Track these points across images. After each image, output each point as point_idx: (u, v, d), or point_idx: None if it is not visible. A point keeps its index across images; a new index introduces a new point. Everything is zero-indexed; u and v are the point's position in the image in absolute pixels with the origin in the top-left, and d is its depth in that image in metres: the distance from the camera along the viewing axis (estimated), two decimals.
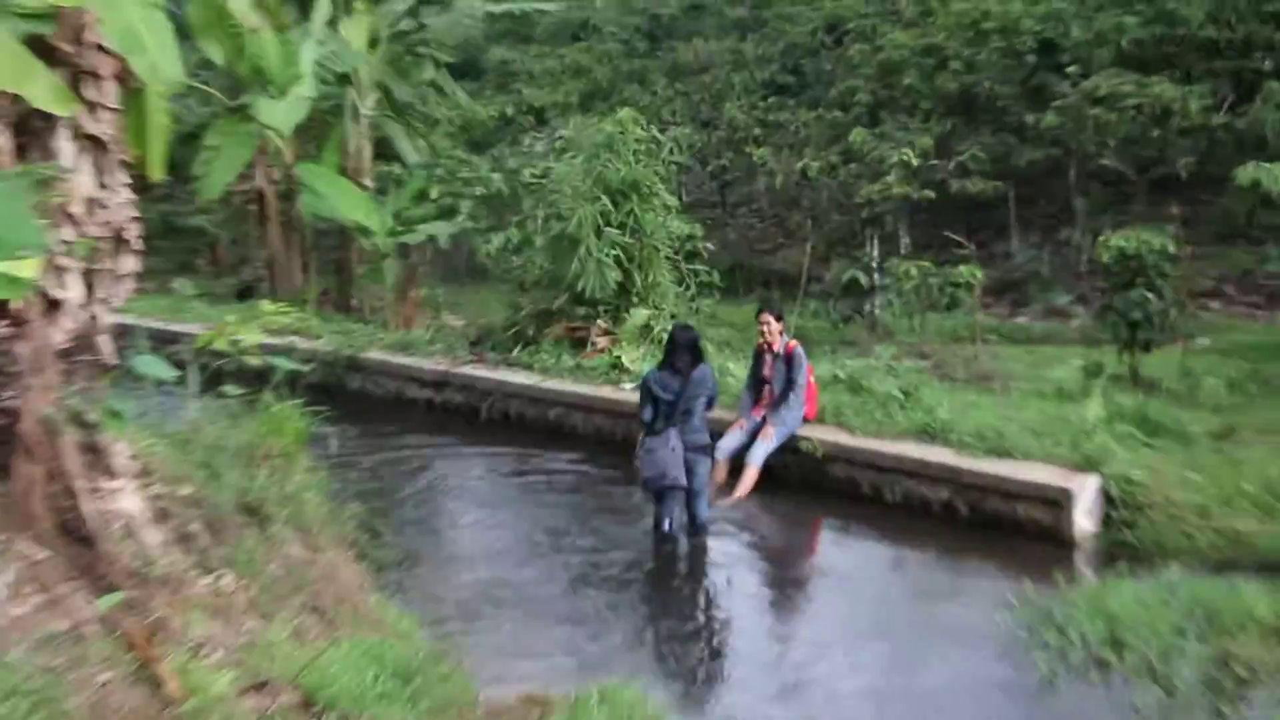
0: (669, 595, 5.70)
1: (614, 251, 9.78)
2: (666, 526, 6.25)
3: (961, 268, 12.63)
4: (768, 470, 7.18)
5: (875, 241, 15.05)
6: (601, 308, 9.95)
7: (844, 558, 6.19)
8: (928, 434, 7.12)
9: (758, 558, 6.36)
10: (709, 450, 6.39)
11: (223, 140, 12.11)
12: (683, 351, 6.28)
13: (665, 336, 8.15)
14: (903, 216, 17.36)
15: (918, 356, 11.30)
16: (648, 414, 6.25)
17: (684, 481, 6.20)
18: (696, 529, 6.34)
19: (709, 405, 6.39)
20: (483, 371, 9.77)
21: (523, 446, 8.54)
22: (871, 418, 7.43)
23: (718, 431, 7.28)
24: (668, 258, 10.53)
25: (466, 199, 13.36)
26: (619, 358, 9.44)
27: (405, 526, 6.54)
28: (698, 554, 6.26)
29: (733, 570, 6.02)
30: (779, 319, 7.39)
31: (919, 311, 13.04)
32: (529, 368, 9.66)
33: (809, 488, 7.28)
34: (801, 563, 6.31)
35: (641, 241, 10.02)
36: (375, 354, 10.68)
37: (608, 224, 9.87)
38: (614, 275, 9.72)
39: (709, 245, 13.80)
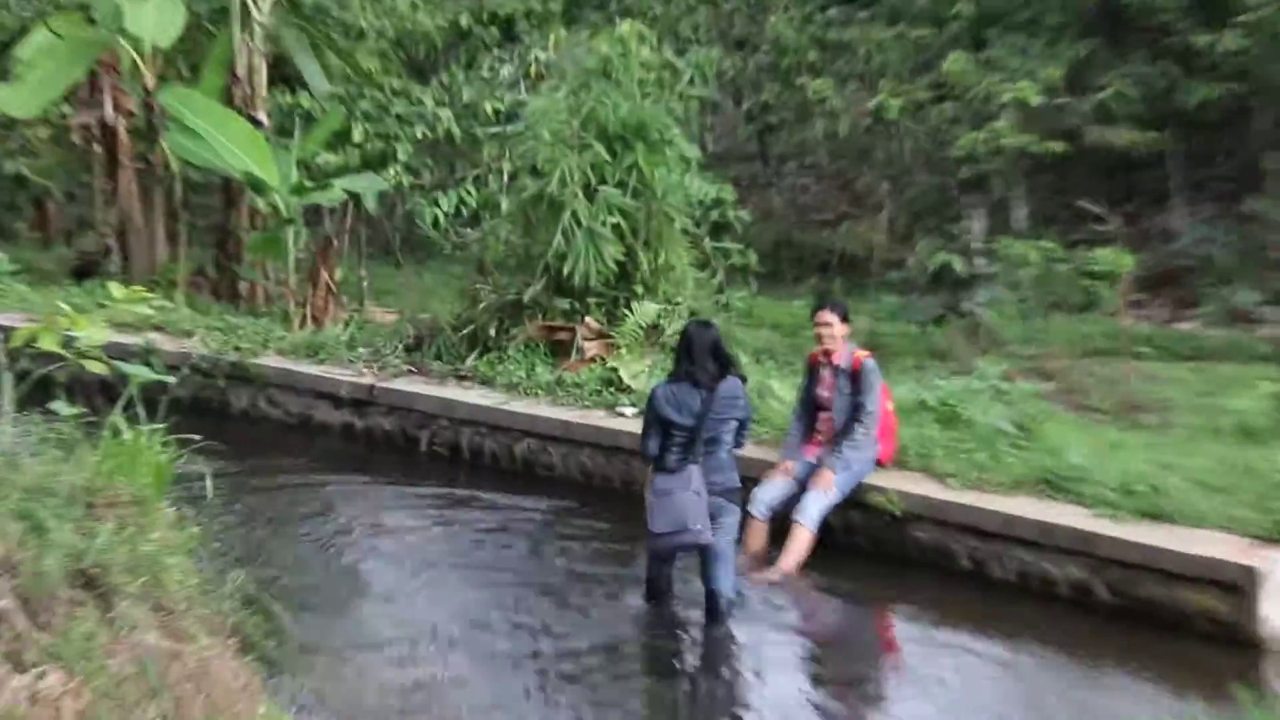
0: (678, 711, 5.69)
1: (611, 220, 9.82)
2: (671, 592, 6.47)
3: (1101, 251, 12.68)
4: (825, 533, 7.21)
5: (978, 213, 15.08)
6: (593, 300, 10.04)
7: (932, 659, 6.22)
8: (1051, 487, 7.18)
9: (809, 657, 6.38)
10: (738, 498, 6.47)
11: (48, 47, 12.11)
12: (703, 356, 6.37)
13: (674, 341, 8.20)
14: (1017, 178, 17.37)
15: (1038, 376, 11.32)
16: (653, 446, 6.35)
17: (710, 540, 6.24)
18: (716, 612, 6.38)
19: (740, 435, 6.49)
20: (424, 387, 9.82)
21: (478, 491, 8.59)
22: (971, 462, 7.48)
23: (751, 476, 7.32)
24: (686, 231, 10.60)
25: (403, 144, 13.42)
26: (616, 370, 9.47)
27: (310, 604, 6.52)
28: (722, 649, 6.26)
29: (772, 673, 6.03)
30: (843, 319, 7.42)
31: (1040, 312, 13.06)
32: (489, 383, 9.74)
33: (883, 558, 7.31)
34: (871, 665, 6.34)
35: (650, 208, 10.07)
36: (271, 360, 10.77)
37: (602, 182, 9.91)
38: (611, 254, 9.75)
39: (744, 214, 13.84)
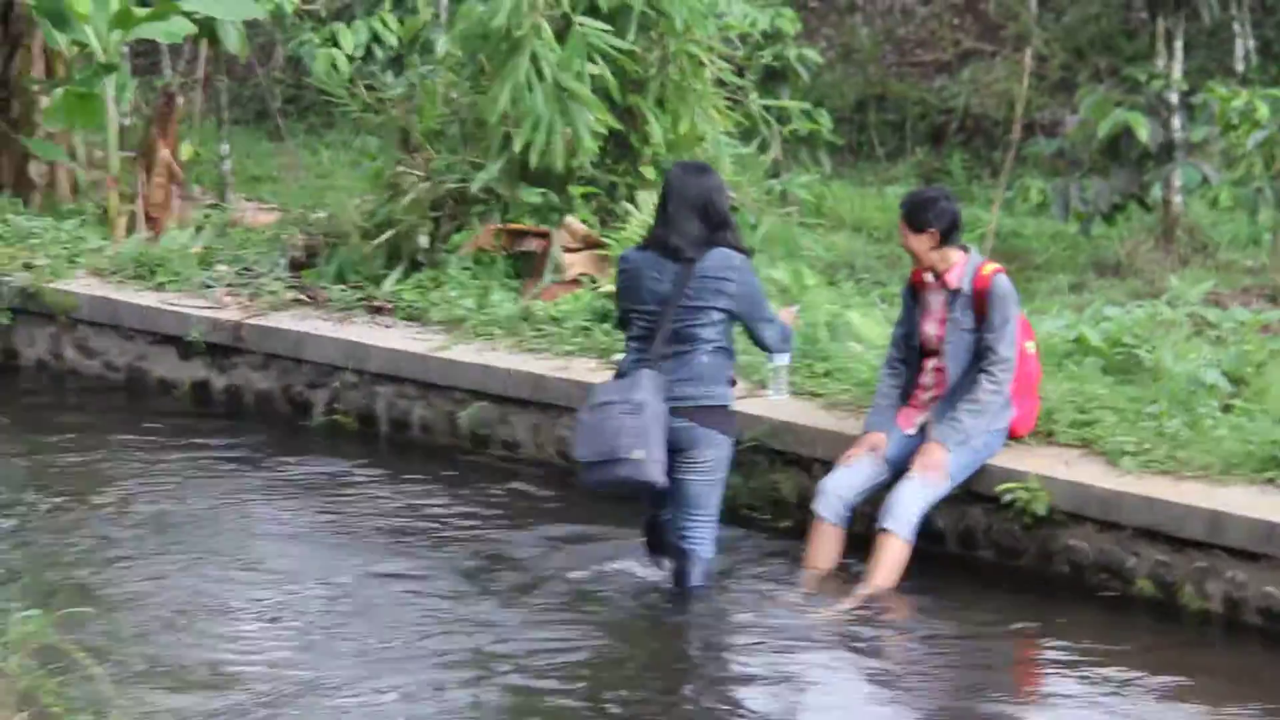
0: None
1: (597, 70, 9.76)
2: (678, 574, 7.10)
3: None
4: (928, 540, 7.24)
5: (1177, 48, 14.92)
6: (577, 190, 10.07)
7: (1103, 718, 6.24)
8: None
9: (911, 699, 6.48)
10: (731, 425, 7.00)
11: None
12: (683, 215, 6.81)
13: None
14: None
15: (1266, 300, 11.28)
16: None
17: (657, 477, 6.65)
18: (685, 580, 7.05)
19: (761, 332, 7.10)
20: (319, 326, 9.84)
21: (400, 478, 8.67)
22: (1159, 433, 7.44)
23: (816, 458, 7.36)
24: (722, 83, 10.57)
25: None
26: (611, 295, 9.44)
27: (138, 645, 6.60)
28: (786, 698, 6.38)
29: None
30: (932, 230, 7.30)
31: (1272, 201, 12.95)
32: (419, 318, 9.76)
33: (1018, 579, 7.34)
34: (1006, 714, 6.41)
35: (663, 46, 9.99)
36: (83, 285, 10.77)
37: (591, 10, 9.84)
38: (589, 123, 9.69)
39: (813, 55, 13.72)
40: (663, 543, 7.22)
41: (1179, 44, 14.98)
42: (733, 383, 7.14)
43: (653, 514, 7.21)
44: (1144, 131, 13.35)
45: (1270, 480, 7.11)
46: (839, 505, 7.27)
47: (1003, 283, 7.34)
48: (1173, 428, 7.45)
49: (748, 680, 6.61)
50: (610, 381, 6.98)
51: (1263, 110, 12.75)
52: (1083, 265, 12.88)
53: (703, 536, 6.98)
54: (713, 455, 6.86)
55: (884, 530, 7.11)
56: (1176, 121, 13.89)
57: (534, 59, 9.64)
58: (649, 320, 6.81)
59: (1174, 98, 14.12)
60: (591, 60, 9.76)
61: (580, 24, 9.76)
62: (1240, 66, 16.78)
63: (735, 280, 6.80)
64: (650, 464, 6.62)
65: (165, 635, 6.90)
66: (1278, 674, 6.62)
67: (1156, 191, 13.59)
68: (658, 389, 6.67)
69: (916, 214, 7.35)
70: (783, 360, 7.79)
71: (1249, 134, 12.74)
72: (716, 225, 6.81)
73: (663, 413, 6.66)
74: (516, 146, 9.74)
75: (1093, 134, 13.76)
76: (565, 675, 6.59)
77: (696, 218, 6.75)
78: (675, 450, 6.78)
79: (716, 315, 6.79)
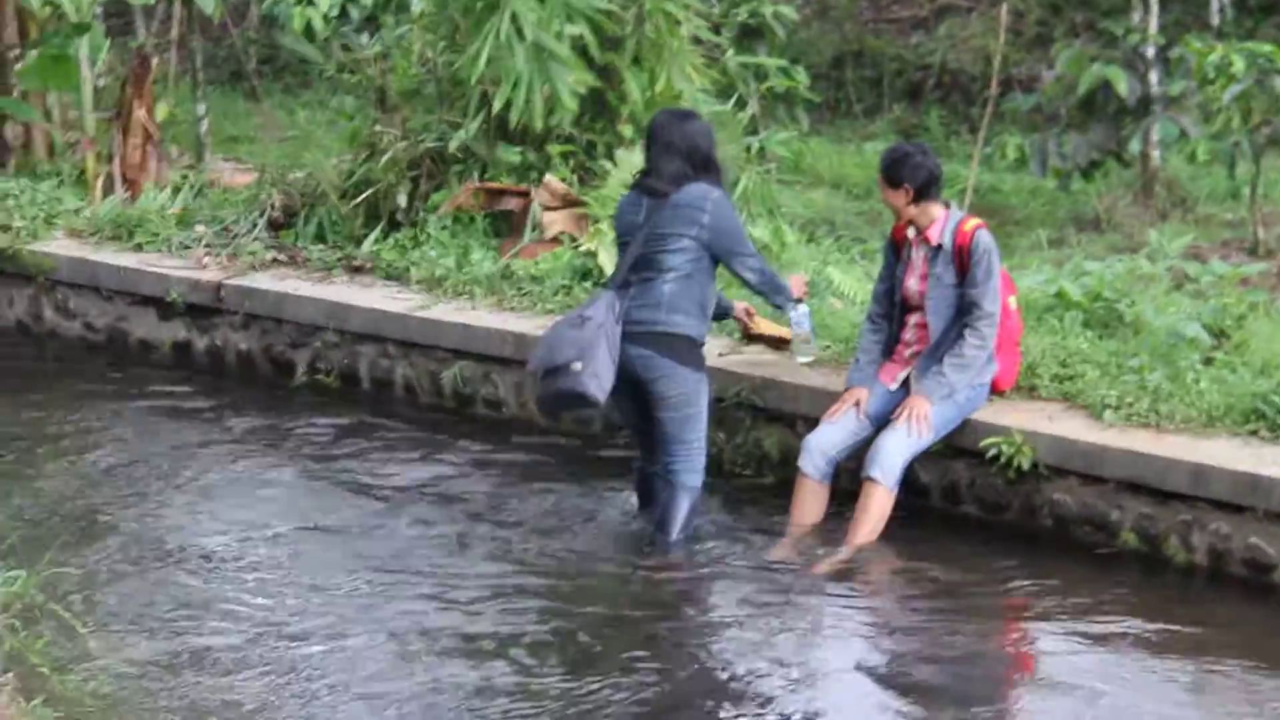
0: None
1: (575, 29, 9.75)
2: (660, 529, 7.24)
3: None
4: (912, 494, 7.27)
5: (1153, 1, 14.90)
6: (556, 149, 10.01)
7: (1090, 669, 6.32)
8: (1266, 423, 7.15)
9: (896, 661, 6.53)
10: (696, 358, 7.15)
11: None
12: (664, 156, 7.07)
13: None
14: None
15: (1245, 253, 11.28)
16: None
17: (593, 391, 6.85)
18: (663, 541, 7.20)
19: (745, 280, 7.28)
20: (299, 285, 9.84)
21: (386, 440, 8.70)
22: (1140, 386, 7.46)
23: (801, 414, 7.39)
24: (699, 40, 10.50)
25: None
26: (594, 255, 9.45)
27: (116, 622, 6.60)
28: (761, 651, 6.40)
29: (843, 683, 6.27)
30: (909, 187, 7.28)
31: (1250, 154, 12.94)
32: (398, 277, 9.77)
33: (1003, 532, 7.37)
34: (987, 682, 6.42)
35: (639, 4, 9.97)
36: (62, 246, 10.75)
37: None
38: (570, 84, 9.66)
39: (789, 11, 13.63)
40: (651, 494, 7.33)
41: None
42: (708, 318, 7.25)
43: (641, 465, 7.39)
44: (1122, 86, 13.31)
45: (1253, 432, 7.15)
46: (823, 462, 7.29)
47: (984, 238, 7.33)
48: (1154, 381, 7.46)
49: (729, 637, 6.61)
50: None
51: (1239, 64, 12.68)
52: (1062, 220, 12.86)
53: (687, 467, 7.12)
54: (677, 391, 6.98)
55: (869, 479, 7.14)
56: (1154, 76, 13.83)
57: (514, 18, 9.59)
58: (623, 247, 7.13)
59: (1150, 52, 14.07)
60: (570, 20, 9.72)
61: None
62: (1216, 20, 16.72)
63: (710, 212, 6.95)
64: (587, 377, 6.77)
65: (134, 581, 6.99)
66: (1261, 625, 6.64)
67: (1134, 146, 13.54)
68: (609, 307, 6.87)
69: (893, 170, 7.33)
70: (803, 325, 7.73)
71: (1225, 88, 12.66)
72: (699, 168, 6.99)
73: (611, 331, 6.85)
74: (495, 105, 9.69)
75: (1070, 89, 13.70)
76: (532, 621, 6.69)
77: (679, 159, 6.96)
78: (639, 382, 6.99)
79: (686, 243, 6.92)
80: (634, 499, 7.60)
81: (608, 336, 6.83)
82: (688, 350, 7.04)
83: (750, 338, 8.14)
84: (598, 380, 6.79)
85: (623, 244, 7.20)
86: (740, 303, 7.87)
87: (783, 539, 7.30)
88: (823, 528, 7.28)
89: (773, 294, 7.39)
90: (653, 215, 6.95)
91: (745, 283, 7.29)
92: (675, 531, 7.13)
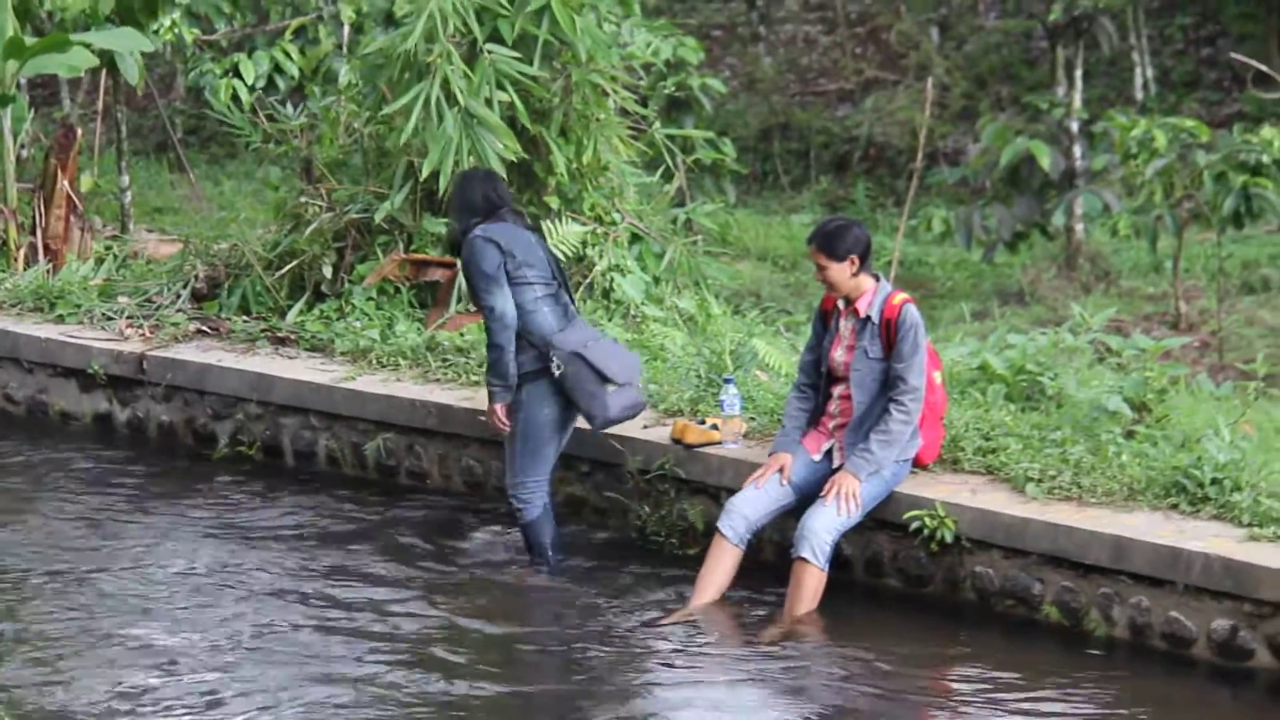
0: None
1: (503, 97, 9.76)
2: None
3: (1269, 132, 12.64)
4: (835, 562, 7.27)
5: (1077, 77, 15.08)
6: None
7: None
8: (1186, 497, 7.20)
9: None
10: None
11: None
12: (453, 214, 8.14)
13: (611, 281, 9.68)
14: (1139, 20, 17.40)
15: (1167, 327, 11.34)
16: None
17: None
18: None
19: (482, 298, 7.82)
20: (223, 357, 9.77)
21: (305, 515, 8.69)
22: (1063, 459, 7.50)
23: (723, 486, 7.35)
24: (626, 112, 10.54)
25: None
26: None
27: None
28: None
29: None
30: (847, 257, 7.28)
31: (1172, 228, 13.08)
32: (323, 348, 9.74)
33: (925, 605, 7.39)
34: None
35: (568, 77, 10.02)
36: None
37: (492, 38, 9.82)
38: (500, 150, 9.67)
39: (716, 84, 13.70)
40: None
41: (1079, 73, 15.17)
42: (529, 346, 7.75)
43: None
44: (1046, 159, 13.46)
45: (1174, 506, 7.18)
46: (742, 527, 7.30)
47: (912, 312, 7.35)
48: (1076, 454, 7.50)
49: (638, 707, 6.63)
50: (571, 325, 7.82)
51: (1161, 139, 12.85)
52: (986, 293, 12.98)
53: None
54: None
55: (801, 559, 7.14)
56: (1077, 150, 14.04)
57: (445, 84, 9.59)
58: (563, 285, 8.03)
59: (1074, 126, 14.28)
60: (500, 88, 9.72)
61: (489, 51, 9.71)
62: (1139, 95, 16.98)
63: (474, 262, 7.71)
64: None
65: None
66: (1182, 699, 6.66)
67: (1058, 219, 13.71)
68: None
69: (834, 242, 7.31)
70: (734, 407, 7.94)
71: (1148, 162, 12.83)
72: (471, 214, 7.85)
73: None
74: (423, 174, 9.68)
75: (995, 162, 13.87)
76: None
77: (462, 212, 7.88)
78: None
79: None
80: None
81: None
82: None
83: (686, 446, 8.13)
84: None
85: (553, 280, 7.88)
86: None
87: (689, 602, 7.34)
88: (724, 590, 7.31)
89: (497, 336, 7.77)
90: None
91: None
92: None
